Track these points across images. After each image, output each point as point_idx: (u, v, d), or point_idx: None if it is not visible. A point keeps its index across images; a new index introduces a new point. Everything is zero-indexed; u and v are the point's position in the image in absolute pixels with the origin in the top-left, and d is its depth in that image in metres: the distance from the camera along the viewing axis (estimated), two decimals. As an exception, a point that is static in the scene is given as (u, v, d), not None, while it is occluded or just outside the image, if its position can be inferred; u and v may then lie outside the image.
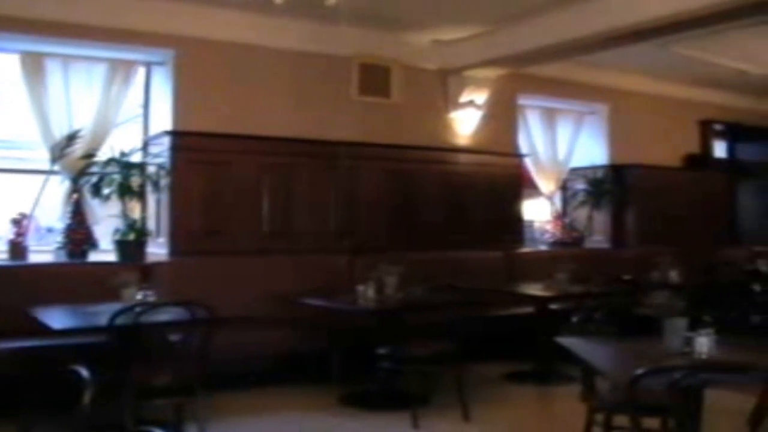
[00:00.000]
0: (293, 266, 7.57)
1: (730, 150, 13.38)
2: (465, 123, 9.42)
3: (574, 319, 4.39)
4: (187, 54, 7.67)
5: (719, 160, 13.03)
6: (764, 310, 6.56)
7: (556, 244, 10.38)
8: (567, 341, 3.99)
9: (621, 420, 3.90)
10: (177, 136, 7.47)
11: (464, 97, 9.36)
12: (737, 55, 10.15)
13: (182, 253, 7.31)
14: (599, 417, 4.25)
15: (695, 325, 3.48)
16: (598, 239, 10.92)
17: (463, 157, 9.32)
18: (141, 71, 7.93)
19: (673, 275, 8.29)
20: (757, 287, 6.52)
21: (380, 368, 6.00)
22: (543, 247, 10.45)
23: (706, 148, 12.60)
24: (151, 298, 5.36)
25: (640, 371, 2.94)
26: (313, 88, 8.35)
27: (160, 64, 7.87)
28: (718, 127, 12.80)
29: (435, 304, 6.35)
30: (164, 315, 4.97)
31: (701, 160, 12.38)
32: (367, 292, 6.11)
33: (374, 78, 8.77)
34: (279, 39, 8.06)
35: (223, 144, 7.64)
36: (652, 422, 3.92)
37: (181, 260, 7.22)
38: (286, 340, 6.74)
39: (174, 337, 5.32)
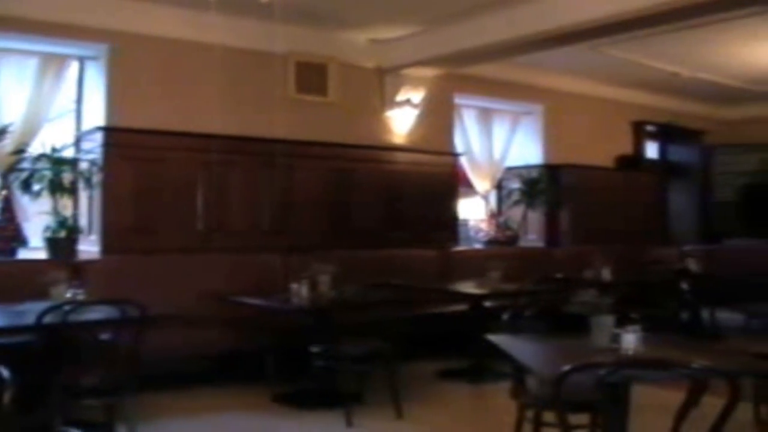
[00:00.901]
0: (227, 265, 7.50)
1: (662, 151, 13.67)
2: (401, 122, 9.46)
3: (505, 316, 4.43)
4: (121, 49, 7.57)
5: (651, 161, 13.31)
6: (693, 307, 6.69)
7: (490, 242, 10.46)
8: (497, 339, 4.02)
9: (551, 416, 3.94)
10: (110, 132, 7.36)
11: (401, 96, 9.40)
12: (669, 58, 10.36)
13: (114, 251, 7.19)
14: (530, 413, 4.30)
15: (623, 322, 3.53)
16: (533, 238, 11.05)
17: (399, 156, 9.35)
18: (74, 66, 7.82)
19: (605, 273, 8.41)
20: (685, 286, 6.65)
21: (314, 367, 5.99)
22: (478, 246, 10.52)
23: (639, 148, 12.84)
24: (81, 297, 5.28)
25: (566, 368, 2.98)
26: (250, 85, 8.31)
27: (94, 58, 7.76)
28: (650, 128, 13.06)
29: (368, 302, 6.35)
30: (94, 314, 4.90)
31: (634, 160, 12.61)
32: (300, 291, 6.09)
33: (311, 76, 8.76)
34: (215, 35, 7.94)
35: (157, 141, 7.56)
36: (582, 418, 3.98)
37: (113, 258, 7.11)
38: (220, 339, 6.68)
39: (104, 336, 5.24)
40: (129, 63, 7.61)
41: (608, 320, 3.57)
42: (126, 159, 7.36)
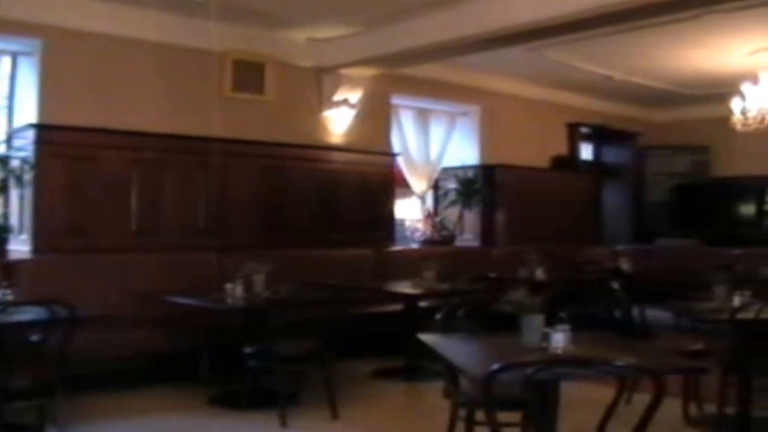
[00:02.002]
0: (161, 264, 7.42)
1: (596, 152, 13.89)
2: (338, 121, 9.47)
3: (438, 316, 4.46)
4: (54, 44, 7.43)
5: (585, 162, 13.52)
6: (624, 306, 6.80)
7: (426, 242, 10.51)
8: (429, 338, 4.05)
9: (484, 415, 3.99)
10: (42, 129, 7.23)
11: (338, 96, 9.39)
12: (602, 61, 10.53)
13: (45, 251, 7.09)
14: (463, 412, 4.34)
15: (553, 321, 3.58)
16: (469, 238, 11.14)
17: (335, 156, 9.35)
18: (6, 61, 7.67)
19: (539, 273, 8.53)
20: (616, 285, 6.75)
21: (248, 367, 5.96)
22: (414, 246, 10.56)
23: (573, 150, 13.03)
24: (10, 297, 5.19)
25: (493, 367, 3.01)
26: (185, 83, 8.23)
27: (27, 54, 7.60)
28: (584, 130, 13.26)
29: (303, 302, 6.34)
30: (24, 314, 4.82)
31: (568, 161, 12.78)
32: (235, 291, 6.05)
33: (248, 74, 8.71)
34: (150, 32, 7.87)
35: (90, 138, 7.45)
36: (516, 416, 4.03)
37: (45, 258, 7.01)
38: (154, 339, 6.60)
39: (34, 338, 5.15)
40: (62, 59, 7.47)
41: (538, 319, 3.62)
42: (58, 157, 7.25)
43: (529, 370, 2.99)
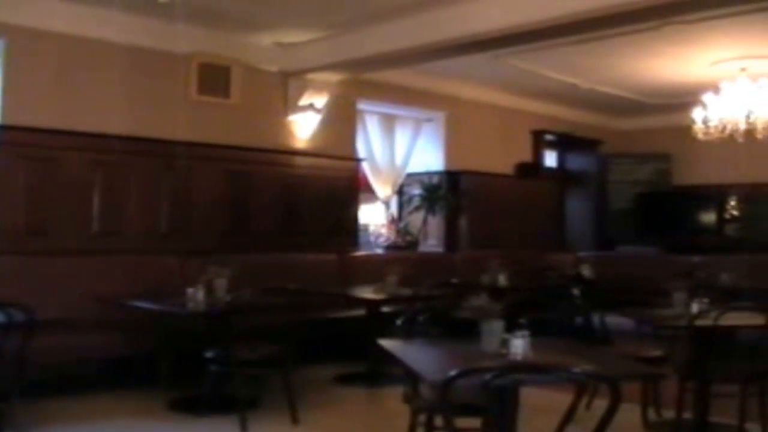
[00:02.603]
0: (123, 267, 7.37)
1: (560, 159, 13.98)
2: (304, 126, 9.46)
3: (399, 321, 4.47)
4: (17, 44, 7.35)
5: (550, 169, 13.61)
6: (585, 312, 6.84)
7: (390, 247, 10.53)
8: (389, 344, 4.05)
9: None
10: (4, 130, 7.18)
11: (304, 101, 9.38)
12: (568, 69, 10.61)
13: (5, 253, 6.99)
14: (423, 418, 4.35)
15: (512, 327, 3.59)
16: (432, 243, 11.18)
17: (300, 160, 9.35)
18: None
19: (502, 279, 8.58)
20: (576, 291, 6.81)
21: (208, 372, 5.93)
22: (378, 251, 10.58)
23: (538, 157, 13.12)
24: (-33, 300, 5.12)
25: (451, 373, 3.02)
26: (150, 85, 8.19)
27: (-12, 53, 7.54)
28: (549, 137, 13.36)
29: (264, 306, 6.32)
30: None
31: (533, 168, 12.86)
32: (196, 295, 6.01)
33: (214, 78, 8.67)
34: (115, 33, 7.82)
35: (52, 140, 7.40)
36: (476, 421, 4.04)
37: (4, 260, 6.90)
38: (114, 343, 6.54)
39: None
40: (25, 59, 7.40)
41: (498, 325, 3.64)
42: (20, 158, 7.20)
43: (487, 376, 3.00)
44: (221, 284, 6.20)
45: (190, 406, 6.15)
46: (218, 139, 8.60)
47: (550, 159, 13.89)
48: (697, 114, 10.01)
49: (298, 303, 6.60)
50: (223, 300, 6.09)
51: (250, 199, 8.81)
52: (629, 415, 5.71)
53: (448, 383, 3.01)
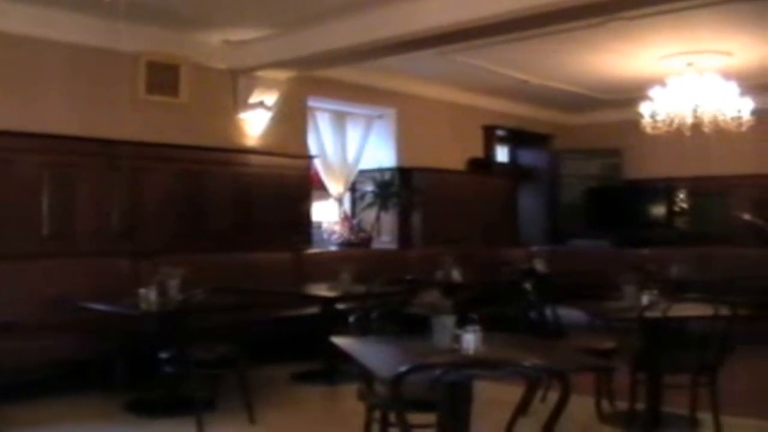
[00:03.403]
0: (74, 269, 7.29)
1: (512, 155, 14.07)
2: (254, 124, 9.42)
3: (351, 318, 4.47)
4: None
5: (502, 164, 13.71)
6: (537, 306, 6.89)
7: (344, 244, 10.53)
8: (342, 341, 4.06)
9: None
10: (-55, 132, 7.06)
11: (254, 98, 9.35)
12: (518, 65, 10.69)
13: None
14: (378, 414, 4.35)
15: (464, 322, 3.61)
16: (386, 240, 11.19)
17: (251, 159, 9.31)
18: None
19: (455, 274, 8.62)
20: (528, 285, 6.85)
21: (163, 373, 5.89)
22: (332, 248, 10.56)
23: (490, 152, 13.19)
24: None
25: (402, 369, 3.03)
26: (97, 85, 8.10)
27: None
28: (500, 132, 13.44)
29: (217, 306, 6.28)
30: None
31: (485, 163, 12.93)
32: (148, 296, 5.97)
33: (162, 77, 8.60)
34: (61, 32, 7.73)
35: (-2, 141, 7.28)
36: (431, 417, 4.05)
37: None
38: (66, 346, 6.46)
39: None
40: (-32, 59, 7.29)
41: (449, 321, 3.65)
42: (-35, 160, 7.07)
43: (437, 372, 3.02)
44: (174, 284, 6.17)
45: (146, 408, 6.12)
46: (168, 138, 8.53)
47: (502, 154, 13.98)
48: (645, 108, 10.13)
49: (251, 302, 6.58)
50: (176, 300, 6.05)
51: (201, 198, 8.76)
52: (584, 407, 5.81)
53: (398, 379, 3.02)
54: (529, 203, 14.36)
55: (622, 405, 5.80)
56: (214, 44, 9.02)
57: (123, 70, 8.27)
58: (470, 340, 3.44)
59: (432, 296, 3.70)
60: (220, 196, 8.92)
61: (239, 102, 9.34)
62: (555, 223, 14.47)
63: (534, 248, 11.96)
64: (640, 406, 5.59)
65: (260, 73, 9.30)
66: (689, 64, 9.86)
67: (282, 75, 9.49)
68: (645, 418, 5.57)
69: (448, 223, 11.44)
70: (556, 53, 9.93)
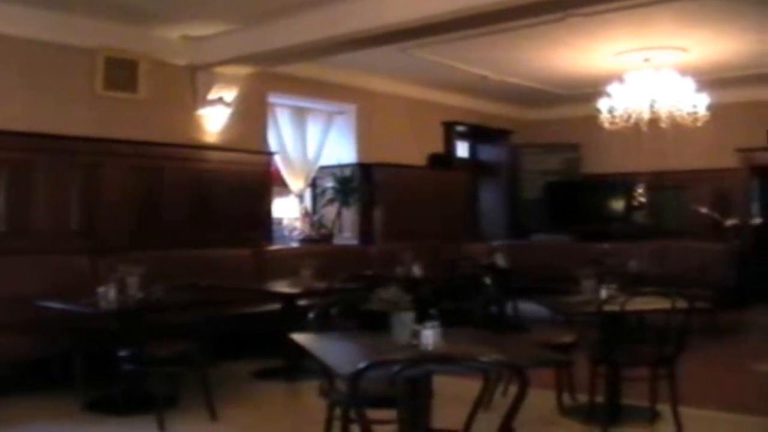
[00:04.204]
0: (31, 267, 7.20)
1: (472, 150, 14.13)
2: (214, 120, 9.37)
3: (311, 315, 4.47)
4: None
5: (462, 160, 13.75)
6: (498, 301, 6.96)
7: (305, 241, 10.51)
8: (301, 338, 4.06)
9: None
10: None
11: (213, 94, 9.29)
12: (478, 61, 10.73)
13: None
14: (339, 411, 4.35)
15: (423, 318, 3.62)
16: (347, 236, 11.19)
17: (211, 155, 9.26)
18: None
19: (416, 270, 8.65)
20: (488, 280, 6.90)
21: (123, 371, 5.85)
22: (293, 244, 10.54)
23: (450, 148, 13.23)
24: None
25: (360, 366, 3.04)
26: (54, 80, 8.00)
27: None
28: (460, 128, 13.48)
29: (177, 303, 6.25)
30: None
31: (445, 159, 12.97)
32: (108, 293, 5.92)
33: (121, 72, 8.52)
34: (17, 27, 7.62)
35: (-48, 137, 7.19)
36: (392, 413, 4.06)
37: None
38: (25, 345, 6.40)
39: None
40: None
41: (407, 317, 3.67)
42: None
43: (395, 368, 3.03)
44: (133, 282, 6.12)
45: (105, 406, 6.09)
46: (126, 134, 8.46)
47: (462, 150, 14.02)
48: (603, 104, 10.22)
49: (211, 299, 6.56)
50: (135, 298, 6.01)
51: (161, 195, 8.70)
52: (545, 400, 5.87)
53: (356, 376, 3.03)
54: (489, 198, 14.44)
55: (583, 398, 5.85)
56: (174, 40, 8.95)
57: (80, 66, 8.18)
58: (429, 335, 3.45)
59: (390, 292, 3.68)
60: (179, 192, 8.87)
61: (198, 98, 9.28)
62: (515, 217, 14.57)
63: (494, 243, 12.06)
64: (601, 398, 5.65)
65: (220, 69, 9.24)
66: (646, 60, 9.97)
67: (242, 71, 9.44)
68: (605, 411, 5.62)
69: (408, 218, 11.47)
70: (515, 49, 9.99)
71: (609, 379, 5.66)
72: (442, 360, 3.33)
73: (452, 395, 4.63)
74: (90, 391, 6.32)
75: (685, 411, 5.39)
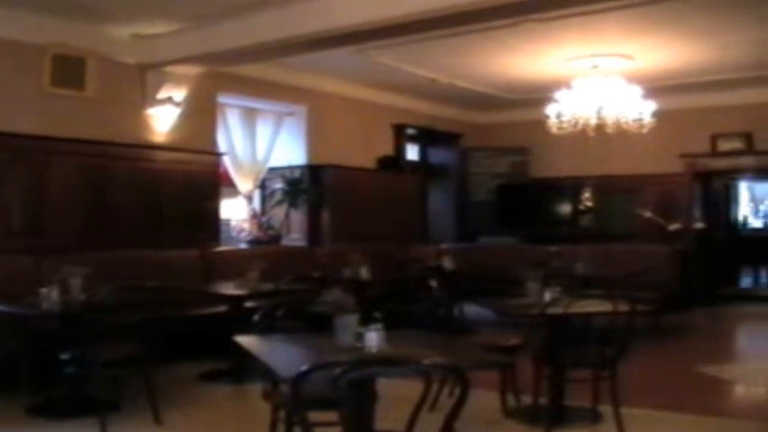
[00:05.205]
0: (-27, 268, 7.09)
1: (422, 153, 14.18)
2: (163, 120, 9.30)
3: (256, 317, 4.46)
4: None
5: (412, 162, 13.79)
6: (444, 304, 6.98)
7: (253, 242, 10.48)
8: (245, 340, 4.05)
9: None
10: None
11: (162, 94, 9.23)
12: (428, 64, 10.78)
13: None
14: (283, 414, 4.35)
15: (368, 320, 3.64)
16: (296, 237, 11.18)
17: (160, 155, 9.19)
18: None
19: (363, 272, 8.67)
20: (434, 283, 6.93)
21: (65, 374, 5.77)
22: (241, 246, 10.51)
23: (400, 150, 13.27)
24: None
25: (302, 368, 3.04)
26: (0, 77, 7.87)
27: None
28: (410, 131, 13.52)
29: (121, 304, 6.18)
30: None
31: (395, 161, 13.00)
32: (50, 295, 5.84)
33: (68, 70, 8.43)
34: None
35: None
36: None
37: None
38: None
39: None
40: None
41: (351, 319, 3.68)
42: None
43: (337, 371, 3.04)
44: (76, 283, 6.04)
45: (49, 410, 6.00)
46: (74, 133, 8.36)
47: (412, 152, 14.06)
48: (551, 109, 10.32)
49: (156, 300, 6.50)
50: (78, 299, 5.94)
51: (107, 194, 8.61)
52: (490, 401, 5.92)
53: (298, 379, 3.03)
54: (438, 201, 14.50)
55: (527, 399, 5.91)
56: (123, 38, 8.86)
57: (27, 62, 8.08)
58: (373, 338, 3.47)
59: (335, 294, 3.69)
60: (127, 192, 8.79)
61: (147, 97, 9.20)
62: (464, 220, 14.65)
63: (443, 245, 12.11)
64: (544, 400, 5.72)
65: (169, 69, 9.18)
66: (594, 67, 10.10)
67: (192, 70, 9.39)
68: (548, 412, 5.69)
69: (357, 220, 11.48)
70: (466, 53, 10.06)
71: (553, 381, 5.73)
72: (383, 362, 3.34)
73: (400, 397, 4.63)
74: (34, 395, 6.20)
75: (627, 411, 5.48)
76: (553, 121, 10.28)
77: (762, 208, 18.95)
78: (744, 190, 18.70)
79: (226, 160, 10.43)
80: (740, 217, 18.40)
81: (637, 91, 10.09)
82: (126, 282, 6.45)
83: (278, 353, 3.92)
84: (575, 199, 13.90)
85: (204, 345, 7.64)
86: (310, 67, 10.60)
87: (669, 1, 7.56)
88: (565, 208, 14.11)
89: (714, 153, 13.04)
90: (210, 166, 9.82)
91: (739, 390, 7.43)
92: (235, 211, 10.96)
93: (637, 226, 13.15)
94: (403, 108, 13.12)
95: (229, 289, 7.45)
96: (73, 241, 8.10)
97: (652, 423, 5.84)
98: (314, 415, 3.57)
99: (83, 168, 8.40)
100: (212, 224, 9.81)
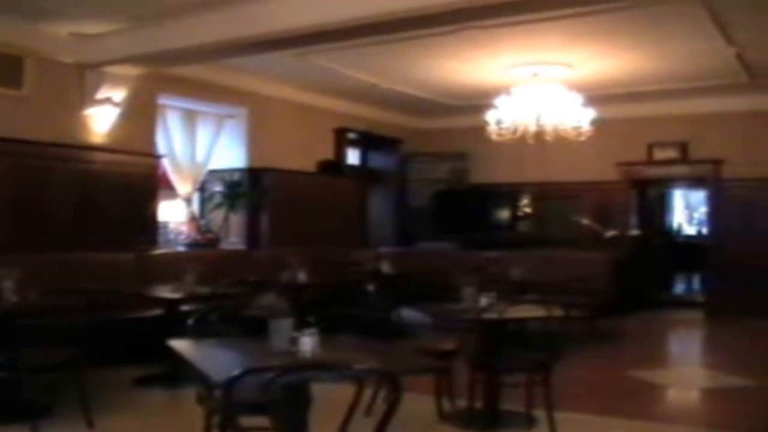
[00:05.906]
0: None
1: (363, 157, 14.20)
2: (101, 120, 9.19)
3: (190, 321, 4.43)
4: None
5: (352, 167, 13.80)
6: (381, 308, 7.02)
7: (191, 245, 10.41)
8: (179, 344, 4.03)
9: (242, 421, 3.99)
10: None
11: (101, 94, 9.11)
12: (369, 69, 10.81)
13: None
14: (217, 419, 4.33)
15: (302, 325, 3.64)
16: (235, 241, 11.13)
17: (97, 156, 9.08)
18: None
19: (302, 275, 8.66)
20: (371, 287, 6.96)
21: (-3, 378, 5.69)
22: (179, 249, 10.43)
23: (340, 154, 13.28)
24: None
25: (234, 373, 3.04)
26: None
27: None
28: (351, 135, 13.54)
29: (54, 308, 6.10)
30: None
31: (335, 166, 13.00)
32: (-21, 298, 5.76)
33: (4, 68, 8.29)
34: None
35: None
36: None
37: None
38: None
39: None
40: None
41: (285, 324, 3.68)
42: None
43: (269, 376, 3.04)
44: (8, 286, 5.94)
45: (-21, 414, 5.88)
46: (8, 132, 8.20)
47: (353, 157, 14.06)
48: (491, 116, 10.39)
49: (92, 304, 6.41)
50: (9, 302, 5.84)
51: (42, 195, 8.47)
52: (425, 405, 5.96)
53: (230, 383, 3.03)
54: (378, 205, 14.54)
55: (463, 404, 5.96)
56: (62, 36, 8.73)
57: (-41, 60, 7.94)
58: (307, 342, 3.47)
59: (269, 298, 3.69)
60: (62, 193, 8.65)
61: (86, 97, 9.08)
62: (404, 225, 14.72)
63: (382, 250, 12.16)
64: (479, 404, 5.78)
65: (109, 69, 9.06)
66: (535, 75, 10.21)
67: (132, 71, 9.28)
68: (483, 417, 5.75)
69: (297, 224, 11.46)
70: (407, 58, 10.11)
71: (487, 385, 5.79)
72: (315, 367, 3.35)
73: (336, 402, 4.65)
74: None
75: (561, 416, 5.57)
76: (492, 128, 10.35)
77: (696, 215, 19.35)
78: (679, 198, 19.11)
79: (165, 162, 10.33)
80: (675, 225, 18.82)
81: (577, 99, 10.21)
82: (61, 284, 6.37)
83: (211, 358, 3.90)
84: (514, 206, 14.05)
85: (139, 349, 7.56)
86: (252, 70, 10.57)
87: (609, 12, 7.66)
88: (504, 215, 14.24)
89: (650, 162, 13.29)
90: (149, 168, 9.72)
91: (672, 394, 7.60)
92: (174, 214, 10.86)
93: (576, 232, 13.34)
94: (344, 112, 13.14)
95: (165, 292, 7.38)
96: (5, 243, 7.95)
97: (585, 427, 5.94)
98: (248, 421, 3.57)
99: (18, 168, 8.25)
100: (150, 227, 9.72)
